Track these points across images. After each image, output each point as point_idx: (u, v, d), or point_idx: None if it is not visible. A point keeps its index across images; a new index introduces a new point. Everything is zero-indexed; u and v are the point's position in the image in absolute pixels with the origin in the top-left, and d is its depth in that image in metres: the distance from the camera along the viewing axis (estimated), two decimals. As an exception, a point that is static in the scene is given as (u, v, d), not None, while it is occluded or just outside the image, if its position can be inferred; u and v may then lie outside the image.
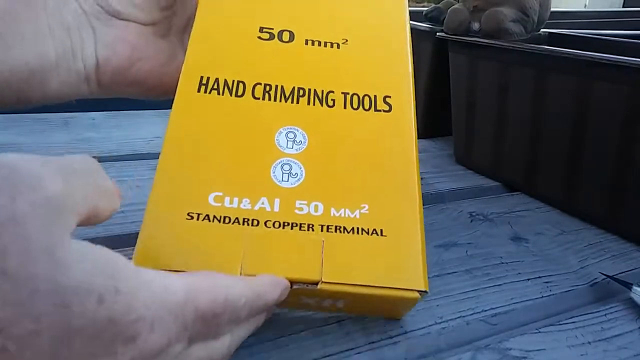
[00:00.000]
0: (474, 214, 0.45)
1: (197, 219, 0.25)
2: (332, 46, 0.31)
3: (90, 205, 0.18)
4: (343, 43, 0.31)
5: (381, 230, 0.26)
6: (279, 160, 0.27)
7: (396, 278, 0.25)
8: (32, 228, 0.15)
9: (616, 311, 0.32)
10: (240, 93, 0.29)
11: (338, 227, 0.26)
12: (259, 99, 0.29)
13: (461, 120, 0.55)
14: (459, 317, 0.31)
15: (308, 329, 0.29)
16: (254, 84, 0.29)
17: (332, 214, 0.26)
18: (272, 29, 0.31)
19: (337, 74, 0.30)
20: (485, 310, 0.32)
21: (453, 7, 0.54)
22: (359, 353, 0.28)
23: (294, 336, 0.28)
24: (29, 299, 0.15)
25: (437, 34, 0.55)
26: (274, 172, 0.27)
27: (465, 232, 0.41)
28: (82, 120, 0.62)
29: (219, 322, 0.20)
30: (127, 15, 0.31)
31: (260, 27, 0.31)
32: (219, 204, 0.25)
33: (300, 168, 0.27)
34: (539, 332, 0.30)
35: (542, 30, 0.57)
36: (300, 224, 0.25)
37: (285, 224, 0.25)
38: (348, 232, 0.25)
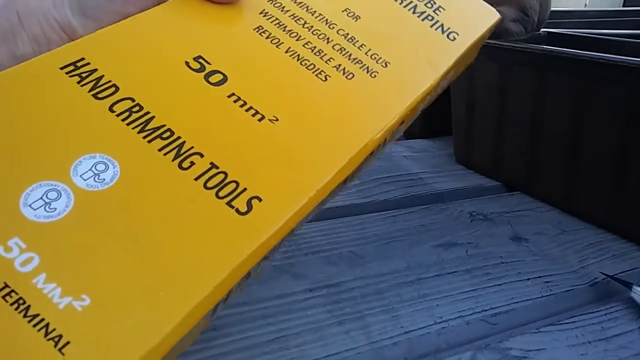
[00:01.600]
0: (473, 213, 0.45)
1: None
2: (255, 114, 0.23)
3: None
4: (270, 120, 0.24)
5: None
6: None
7: None
8: None
9: (616, 311, 0.32)
10: (101, 96, 0.22)
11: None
12: (113, 112, 0.22)
13: (461, 119, 0.55)
14: (458, 317, 0.31)
15: (308, 328, 0.29)
16: (125, 96, 0.22)
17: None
18: (210, 63, 0.25)
19: (227, 143, 0.23)
20: (485, 310, 0.32)
21: (453, 6, 0.54)
22: (359, 353, 0.28)
23: (294, 335, 0.28)
24: None
25: (437, 33, 0.55)
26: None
27: (465, 232, 0.41)
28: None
29: None
30: (83, 30, 0.26)
31: (199, 55, 0.25)
32: None
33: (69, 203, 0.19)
34: (539, 331, 0.30)
35: (542, 29, 0.56)
36: None
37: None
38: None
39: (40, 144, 0.20)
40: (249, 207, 0.21)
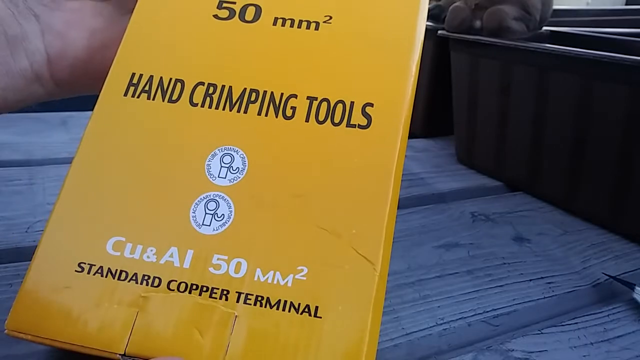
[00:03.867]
0: (475, 214, 0.44)
1: (89, 272, 0.20)
2: (308, 26, 0.23)
3: None
4: (325, 22, 0.24)
5: (316, 308, 0.19)
6: (204, 195, 0.21)
7: None
8: None
9: (619, 312, 0.32)
10: (175, 97, 0.23)
11: (259, 299, 0.19)
12: (197, 105, 0.22)
13: (462, 119, 0.55)
14: (460, 318, 0.31)
15: (308, 331, 0.29)
16: (195, 84, 0.23)
17: (256, 278, 0.20)
18: (235, 2, 0.24)
19: (307, 68, 0.23)
20: (487, 311, 0.32)
21: (454, 5, 0.54)
22: (359, 355, 0.27)
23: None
24: None
25: (439, 32, 0.55)
26: (193, 213, 0.21)
27: (466, 232, 0.41)
28: (81, 120, 0.62)
29: None
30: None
31: (220, 1, 0.25)
32: (118, 253, 0.20)
33: (230, 207, 0.21)
34: (542, 333, 0.30)
35: (544, 28, 0.56)
36: (212, 289, 0.19)
37: (194, 287, 0.20)
38: (271, 307, 0.19)
39: (167, 167, 0.22)
40: (367, 117, 0.22)
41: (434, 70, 0.59)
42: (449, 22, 0.54)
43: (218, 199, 0.21)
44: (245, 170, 0.21)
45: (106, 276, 0.20)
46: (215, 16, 0.24)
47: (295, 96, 0.23)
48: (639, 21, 0.77)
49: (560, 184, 0.46)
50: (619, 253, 0.39)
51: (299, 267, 0.20)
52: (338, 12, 0.24)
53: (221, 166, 0.21)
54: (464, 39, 0.52)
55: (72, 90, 0.27)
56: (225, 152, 0.22)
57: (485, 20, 0.51)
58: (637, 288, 0.33)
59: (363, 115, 0.22)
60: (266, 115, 0.22)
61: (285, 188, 0.21)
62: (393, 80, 0.23)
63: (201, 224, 0.21)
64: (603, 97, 0.41)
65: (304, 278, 0.19)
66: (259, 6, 0.24)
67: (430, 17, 0.64)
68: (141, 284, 0.20)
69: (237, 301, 0.19)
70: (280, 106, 0.22)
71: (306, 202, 0.21)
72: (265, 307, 0.19)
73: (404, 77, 0.23)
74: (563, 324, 0.31)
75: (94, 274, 0.20)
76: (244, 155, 0.22)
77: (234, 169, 0.21)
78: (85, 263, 0.20)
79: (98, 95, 0.23)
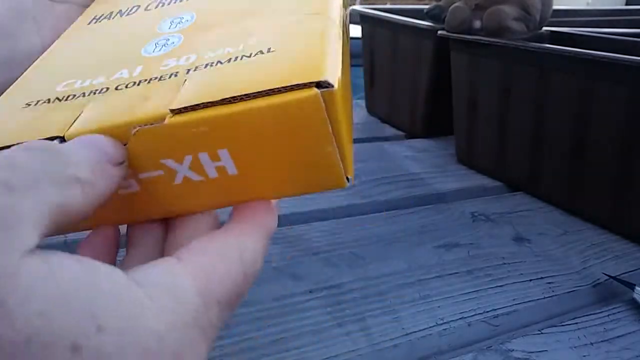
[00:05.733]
0: (475, 214, 0.44)
1: (35, 104, 0.19)
2: None
3: (53, 206, 0.14)
4: None
5: (268, 49, 0.18)
6: (154, 39, 0.22)
7: (279, 78, 0.16)
8: None
9: (619, 312, 0.32)
10: (132, 12, 0.25)
11: (210, 64, 0.18)
12: (150, 10, 0.25)
13: (463, 119, 0.55)
14: (460, 319, 0.31)
15: (309, 330, 0.29)
16: (149, 2, 0.25)
17: (206, 56, 0.19)
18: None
19: None
20: (487, 312, 0.32)
21: (454, 5, 0.54)
22: (359, 355, 0.27)
23: (295, 337, 0.28)
24: None
25: (439, 32, 0.55)
26: (145, 48, 0.21)
27: (467, 233, 0.41)
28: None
29: (243, 296, 0.17)
30: None
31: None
32: (67, 88, 0.20)
33: (179, 38, 0.21)
34: (542, 333, 0.30)
35: (544, 28, 0.56)
36: (161, 76, 0.19)
37: (143, 80, 0.19)
38: (222, 64, 0.18)
39: (122, 36, 0.23)
40: None
41: (434, 70, 0.59)
42: (449, 22, 0.54)
43: (169, 37, 0.22)
44: (193, 20, 0.22)
45: (52, 102, 0.19)
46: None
47: None
48: (639, 21, 0.77)
49: (561, 184, 0.46)
50: (619, 253, 0.39)
51: (249, 36, 0.19)
52: None
53: (170, 24, 0.23)
54: (464, 39, 0.52)
55: None
56: (175, 17, 0.23)
57: (485, 20, 0.51)
58: (637, 288, 0.33)
59: None
60: None
61: (230, 17, 0.22)
62: None
63: (152, 51, 0.21)
64: (603, 97, 0.41)
65: (255, 42, 0.19)
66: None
67: (430, 17, 0.64)
68: (88, 96, 0.19)
69: (187, 73, 0.18)
70: None
71: (251, 20, 0.21)
72: (216, 65, 0.18)
73: None
74: (563, 324, 0.31)
75: (40, 104, 0.19)
76: (193, 14, 0.23)
77: (183, 21, 0.22)
78: (32, 101, 0.19)
79: None
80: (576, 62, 0.42)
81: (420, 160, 0.56)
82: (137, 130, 0.16)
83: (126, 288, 0.14)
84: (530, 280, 0.35)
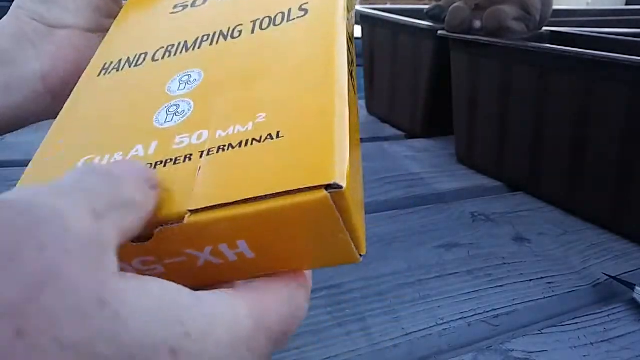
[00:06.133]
0: (475, 214, 0.44)
1: None
2: None
3: (121, 228, 0.15)
4: None
5: (277, 133, 0.19)
6: (165, 105, 0.22)
7: (291, 179, 0.17)
8: (75, 281, 0.13)
9: (619, 312, 0.32)
10: (140, 62, 0.25)
11: (222, 147, 0.19)
12: (157, 60, 0.25)
13: (463, 119, 0.55)
14: (460, 319, 0.31)
15: (309, 330, 0.29)
16: (155, 50, 0.26)
17: (217, 136, 0.20)
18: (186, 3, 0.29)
19: (250, 8, 0.26)
20: (487, 312, 0.32)
21: (454, 5, 0.54)
22: (359, 355, 0.27)
23: (295, 337, 0.28)
24: None
25: (439, 32, 0.55)
26: (156, 117, 0.22)
27: (466, 233, 0.41)
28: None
29: (289, 334, 0.19)
30: (65, 23, 0.30)
31: (175, 5, 0.29)
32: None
33: (189, 105, 0.22)
34: (541, 333, 0.30)
35: (544, 28, 0.56)
36: (176, 158, 0.20)
37: (158, 163, 0.20)
38: (234, 148, 0.19)
39: (132, 99, 0.24)
40: (304, 10, 0.25)
41: (434, 70, 0.59)
42: (449, 23, 0.54)
43: (179, 102, 0.22)
44: (201, 79, 0.23)
45: None
46: (172, 13, 0.28)
47: (241, 24, 0.26)
48: (639, 21, 0.77)
49: (561, 184, 0.46)
50: (619, 253, 0.39)
51: (258, 115, 0.20)
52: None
53: (179, 83, 0.23)
54: (464, 39, 0.52)
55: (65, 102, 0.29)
56: (183, 74, 0.24)
57: (485, 20, 0.51)
58: (637, 288, 0.33)
59: (300, 10, 0.25)
60: (217, 43, 0.25)
61: (239, 78, 0.22)
62: None
63: (163, 122, 0.21)
64: (603, 97, 0.41)
65: (264, 120, 0.20)
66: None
67: (430, 17, 0.64)
68: None
69: (201, 157, 0.19)
70: (228, 33, 0.25)
71: (259, 83, 0.22)
72: (228, 150, 0.19)
73: None
74: (563, 324, 0.31)
75: None
76: (200, 71, 0.24)
77: (191, 80, 0.23)
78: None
79: None
80: (576, 62, 0.42)
81: (420, 160, 0.56)
82: (159, 230, 0.18)
83: (197, 303, 0.15)
84: (530, 280, 0.35)
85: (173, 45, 0.26)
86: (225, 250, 0.19)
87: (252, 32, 0.25)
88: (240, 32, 0.25)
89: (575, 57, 0.42)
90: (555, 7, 0.57)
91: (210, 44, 0.25)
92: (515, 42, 0.47)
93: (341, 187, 0.17)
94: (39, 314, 0.12)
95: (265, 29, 0.25)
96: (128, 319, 0.13)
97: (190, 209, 0.17)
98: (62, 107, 0.27)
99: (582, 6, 1.13)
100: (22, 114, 0.29)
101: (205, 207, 0.17)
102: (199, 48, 0.25)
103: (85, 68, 0.28)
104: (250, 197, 0.17)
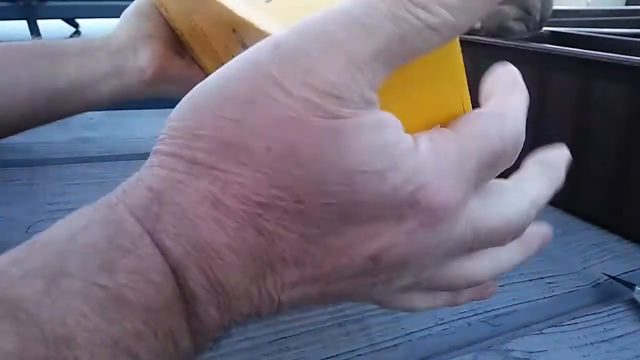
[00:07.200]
0: (475, 213, 0.44)
1: None
2: None
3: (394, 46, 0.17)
4: None
5: None
6: None
7: None
8: (311, 123, 0.16)
9: (619, 312, 0.32)
10: None
11: None
12: None
13: (463, 119, 0.55)
14: (460, 319, 0.31)
15: (308, 330, 0.29)
16: None
17: None
18: None
19: None
20: (487, 312, 0.32)
21: (454, 5, 0.54)
22: (359, 355, 0.27)
23: (294, 337, 0.28)
24: (322, 182, 0.16)
25: (439, 32, 0.55)
26: None
27: (466, 232, 0.41)
28: (82, 120, 0.62)
29: (499, 162, 0.21)
30: (158, 34, 0.46)
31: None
32: None
33: None
34: (542, 333, 0.30)
35: (544, 28, 0.56)
36: None
37: None
38: None
39: None
40: None
41: (434, 71, 0.59)
42: (449, 22, 0.54)
43: None
44: None
45: None
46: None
47: None
48: (639, 21, 0.77)
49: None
50: (619, 253, 0.39)
51: None
52: None
53: None
54: (464, 39, 0.52)
55: (152, 90, 0.47)
56: None
57: (485, 20, 0.51)
58: (637, 288, 0.33)
59: None
60: None
61: None
62: None
63: None
64: (603, 97, 0.41)
65: None
66: None
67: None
68: None
69: None
70: None
71: None
72: None
73: None
74: (563, 324, 0.31)
75: None
76: None
77: None
78: None
79: None
80: (576, 62, 0.42)
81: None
82: None
83: (408, 148, 0.18)
84: (530, 280, 0.35)
85: None
86: None
87: None
88: None
89: (575, 57, 0.42)
90: (555, 7, 0.57)
91: None
92: (515, 42, 0.47)
93: None
94: None
95: None
96: (352, 151, 0.16)
97: None
98: (150, 94, 0.48)
99: (582, 6, 1.13)
100: (123, 92, 0.46)
101: None
102: None
103: (165, 75, 0.45)
104: None
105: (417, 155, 0.17)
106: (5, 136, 0.47)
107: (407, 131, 0.18)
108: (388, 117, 0.17)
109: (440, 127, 0.20)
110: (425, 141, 0.18)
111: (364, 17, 0.16)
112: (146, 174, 0.17)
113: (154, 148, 0.17)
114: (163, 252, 0.16)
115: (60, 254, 0.16)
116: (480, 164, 0.19)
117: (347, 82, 0.16)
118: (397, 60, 0.17)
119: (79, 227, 0.16)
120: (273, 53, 0.16)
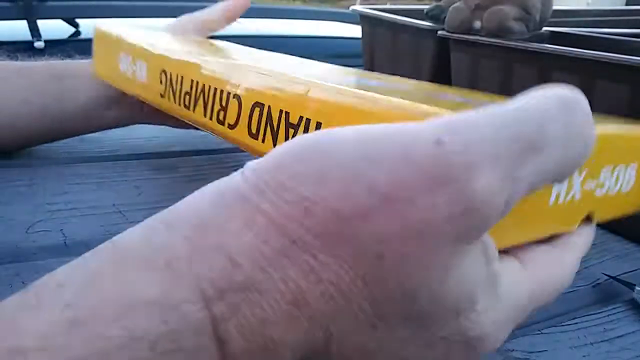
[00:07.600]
0: (475, 213, 0.44)
1: None
2: None
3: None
4: None
5: None
6: None
7: None
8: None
9: (619, 312, 0.32)
10: None
11: None
12: None
13: (463, 119, 0.55)
14: (460, 318, 0.31)
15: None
16: None
17: None
18: None
19: None
20: (487, 311, 0.32)
21: (454, 5, 0.54)
22: (359, 355, 0.27)
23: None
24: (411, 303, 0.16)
25: (439, 32, 0.55)
26: None
27: (466, 232, 0.41)
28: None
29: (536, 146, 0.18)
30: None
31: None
32: None
33: None
34: (541, 333, 0.30)
35: (544, 28, 0.56)
36: None
37: None
38: None
39: None
40: None
41: (435, 71, 0.59)
42: (449, 23, 0.54)
43: None
44: None
45: None
46: None
47: None
48: (639, 21, 0.77)
49: (560, 184, 0.46)
50: (619, 253, 0.39)
51: None
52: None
53: None
54: (464, 40, 0.52)
55: (154, 120, 0.53)
56: None
57: (485, 20, 0.51)
58: (637, 288, 0.33)
59: None
60: None
61: None
62: None
63: None
64: (603, 97, 0.41)
65: None
66: None
67: (430, 17, 0.64)
68: None
69: None
70: None
71: None
72: None
73: None
74: (563, 324, 0.31)
75: None
76: None
77: None
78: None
79: None
80: (576, 62, 0.42)
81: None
82: None
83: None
84: (530, 280, 0.35)
85: None
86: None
87: None
88: None
89: (575, 57, 0.42)
90: (555, 7, 0.57)
91: None
92: (515, 42, 0.47)
93: None
94: None
95: None
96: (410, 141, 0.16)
97: None
98: (151, 121, 0.54)
99: (582, 6, 1.12)
100: (125, 122, 0.53)
101: None
102: None
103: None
104: None
105: (496, 303, 0.19)
106: (11, 151, 0.50)
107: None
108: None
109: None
110: (506, 285, 0.19)
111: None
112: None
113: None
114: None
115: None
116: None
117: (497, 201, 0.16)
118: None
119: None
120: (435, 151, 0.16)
